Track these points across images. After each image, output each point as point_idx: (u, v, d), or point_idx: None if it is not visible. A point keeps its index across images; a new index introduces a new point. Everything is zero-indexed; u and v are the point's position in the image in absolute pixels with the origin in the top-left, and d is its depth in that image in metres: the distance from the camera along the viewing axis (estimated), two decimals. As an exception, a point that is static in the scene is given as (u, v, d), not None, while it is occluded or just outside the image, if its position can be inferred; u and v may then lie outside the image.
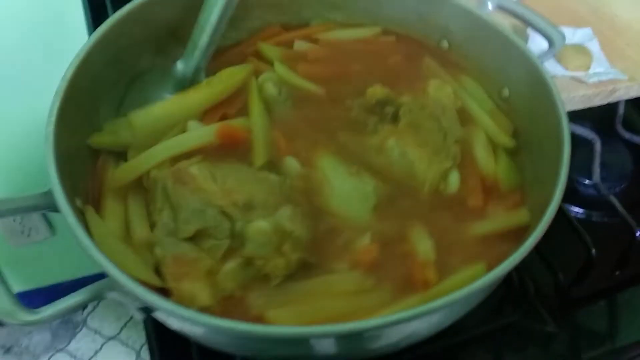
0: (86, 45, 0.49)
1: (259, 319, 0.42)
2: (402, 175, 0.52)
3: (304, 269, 0.46)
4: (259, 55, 0.62)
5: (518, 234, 0.49)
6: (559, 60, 0.69)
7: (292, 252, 0.44)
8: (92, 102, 0.52)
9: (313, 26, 0.66)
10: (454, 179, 0.52)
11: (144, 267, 0.43)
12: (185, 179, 0.47)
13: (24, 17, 0.87)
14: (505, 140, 0.57)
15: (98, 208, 0.48)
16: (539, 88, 0.53)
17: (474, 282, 0.41)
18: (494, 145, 0.56)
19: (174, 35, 0.59)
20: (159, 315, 0.40)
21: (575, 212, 0.67)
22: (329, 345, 0.39)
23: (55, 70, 0.49)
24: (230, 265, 0.44)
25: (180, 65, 0.55)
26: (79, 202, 0.45)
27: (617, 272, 0.63)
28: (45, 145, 0.42)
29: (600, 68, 0.69)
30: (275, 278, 0.44)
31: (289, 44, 0.64)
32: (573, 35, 0.73)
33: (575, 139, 0.66)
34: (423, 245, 0.46)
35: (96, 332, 1.56)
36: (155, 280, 0.43)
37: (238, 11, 0.58)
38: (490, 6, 0.62)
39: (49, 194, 0.41)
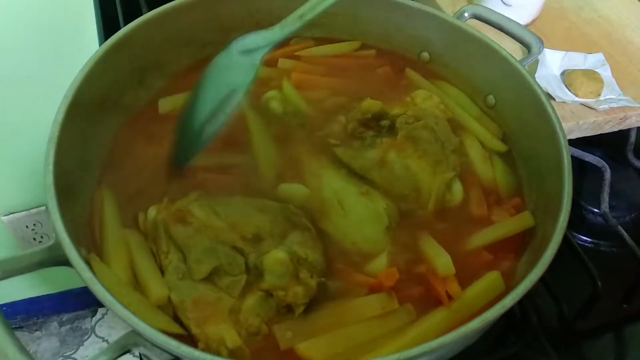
0: (74, 84, 0.47)
1: (290, 353, 0.41)
2: (406, 189, 0.52)
3: (323, 296, 0.45)
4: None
5: (523, 236, 0.50)
6: (569, 85, 0.68)
7: (310, 278, 0.44)
8: (84, 141, 0.49)
9: (293, 44, 0.66)
10: (458, 189, 0.53)
11: (163, 316, 0.41)
12: (187, 218, 0.46)
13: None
14: (497, 145, 0.58)
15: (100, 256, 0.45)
16: (526, 95, 0.55)
17: (493, 291, 0.42)
18: (487, 151, 0.58)
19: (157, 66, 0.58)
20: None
21: (582, 241, 0.65)
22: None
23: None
24: (251, 300, 0.43)
25: (268, 33, 0.50)
26: (84, 252, 0.43)
27: (625, 305, 0.60)
28: (47, 196, 0.39)
29: (611, 94, 0.67)
30: (297, 307, 0.43)
31: (271, 63, 0.63)
32: (584, 60, 0.72)
33: (585, 166, 0.67)
34: (441, 260, 0.47)
35: (104, 340, 1.55)
36: (177, 329, 0.41)
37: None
38: (466, 15, 0.63)
39: (55, 247, 0.39)
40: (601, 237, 0.66)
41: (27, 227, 1.27)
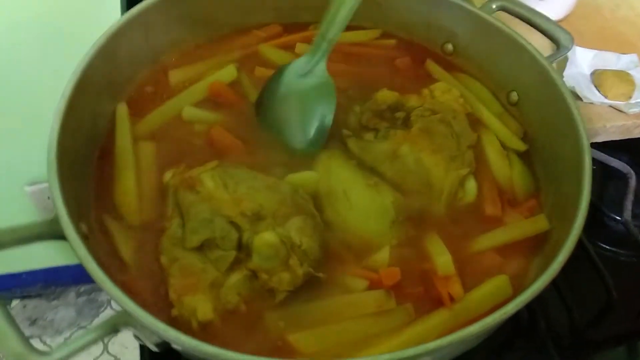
0: (85, 59, 0.47)
1: (278, 341, 0.41)
2: (418, 184, 0.50)
3: (318, 287, 0.44)
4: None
5: (536, 242, 0.48)
6: (599, 86, 0.65)
7: (299, 266, 0.43)
8: (93, 117, 0.49)
9: (312, 29, 0.64)
10: (472, 187, 0.51)
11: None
12: (196, 186, 0.45)
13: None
14: (517, 144, 0.56)
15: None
16: (551, 93, 0.52)
17: (498, 296, 0.40)
18: (506, 150, 0.55)
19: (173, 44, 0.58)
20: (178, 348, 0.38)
21: (600, 248, 0.62)
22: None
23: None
24: (235, 277, 0.42)
25: (304, 59, 0.54)
26: (84, 228, 0.42)
27: None
28: (49, 170, 0.39)
29: None
30: (279, 293, 0.42)
31: (289, 47, 0.62)
32: (617, 60, 0.69)
33: (609, 171, 0.63)
34: (441, 258, 0.45)
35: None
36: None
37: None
38: (494, 7, 0.61)
39: (55, 221, 0.38)
40: (621, 246, 0.63)
41: (49, 198, 1.29)
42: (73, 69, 0.46)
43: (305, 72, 0.55)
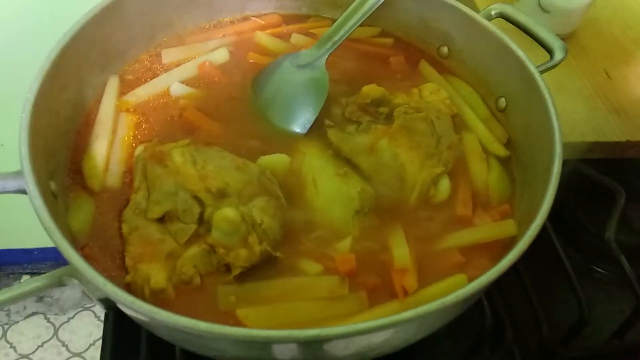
0: (74, 26, 0.49)
1: (229, 316, 0.41)
2: (391, 178, 0.50)
3: (274, 267, 0.44)
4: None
5: (502, 246, 0.47)
6: None
7: (257, 244, 0.43)
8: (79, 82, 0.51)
9: (311, 22, 0.65)
10: (445, 186, 0.51)
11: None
12: (165, 160, 0.46)
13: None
14: (498, 149, 0.55)
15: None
16: (536, 100, 0.51)
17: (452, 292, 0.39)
18: (486, 154, 0.55)
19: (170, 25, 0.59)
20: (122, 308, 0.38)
21: (578, 264, 0.60)
22: (292, 351, 0.38)
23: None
24: (193, 250, 0.43)
25: (307, 53, 0.58)
26: (53, 186, 0.44)
27: (616, 340, 0.56)
28: (21, 122, 0.41)
29: None
30: (235, 269, 0.43)
31: (285, 37, 0.63)
32: None
33: (599, 189, 0.62)
34: (399, 250, 0.45)
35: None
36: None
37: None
38: (493, 13, 0.61)
39: (19, 173, 0.40)
40: (600, 264, 0.62)
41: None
42: (63, 33, 0.47)
43: (305, 64, 0.57)
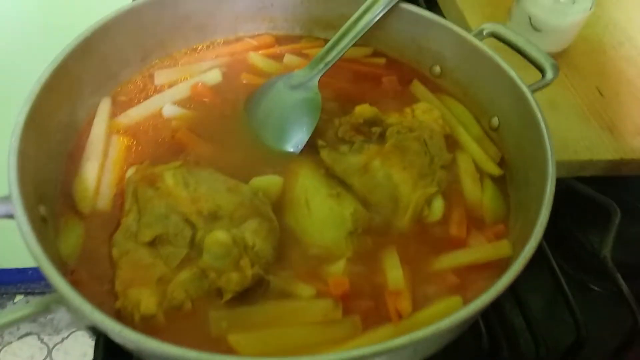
0: (65, 49, 0.49)
1: (220, 342, 0.40)
2: (384, 198, 0.50)
3: (266, 290, 0.44)
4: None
5: (497, 268, 0.47)
6: None
7: (249, 267, 0.42)
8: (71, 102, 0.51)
9: (304, 42, 0.65)
10: (438, 206, 0.50)
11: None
12: (157, 183, 0.46)
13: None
14: (492, 168, 0.55)
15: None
16: (528, 119, 0.51)
17: (447, 316, 0.39)
18: (480, 173, 0.55)
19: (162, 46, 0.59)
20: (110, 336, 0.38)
21: (575, 282, 0.58)
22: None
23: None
24: (184, 275, 0.42)
25: (300, 74, 0.58)
26: (43, 210, 0.43)
27: None
28: (10, 145, 0.40)
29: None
30: (227, 293, 0.42)
31: (277, 57, 0.63)
32: None
33: (594, 206, 0.62)
34: (393, 273, 0.45)
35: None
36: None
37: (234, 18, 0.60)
38: (485, 33, 0.61)
39: (7, 198, 0.39)
40: (597, 283, 0.61)
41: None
42: (54, 56, 0.47)
43: (298, 84, 0.57)
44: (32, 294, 1.95)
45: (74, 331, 1.69)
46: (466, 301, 0.44)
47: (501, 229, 0.50)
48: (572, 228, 0.67)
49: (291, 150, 0.54)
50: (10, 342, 1.66)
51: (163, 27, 0.59)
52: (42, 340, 1.77)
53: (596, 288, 0.63)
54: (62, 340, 1.79)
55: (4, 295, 1.90)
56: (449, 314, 0.42)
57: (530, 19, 0.72)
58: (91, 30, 0.51)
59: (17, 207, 0.38)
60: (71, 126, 0.51)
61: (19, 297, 1.92)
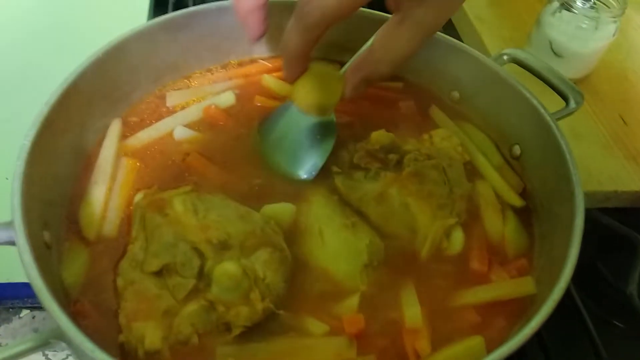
0: (77, 70, 0.48)
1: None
2: (401, 228, 0.48)
3: (277, 326, 0.41)
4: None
5: (520, 305, 0.44)
6: None
7: (260, 301, 0.40)
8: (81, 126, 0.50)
9: (319, 65, 0.64)
10: (458, 238, 0.48)
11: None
12: (165, 209, 0.44)
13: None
14: (514, 199, 0.53)
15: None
16: (552, 149, 0.50)
17: (469, 358, 0.37)
18: (501, 204, 0.52)
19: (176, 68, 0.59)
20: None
21: (599, 320, 0.55)
22: None
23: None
24: (191, 307, 0.40)
25: None
26: (47, 236, 0.42)
27: None
28: (15, 168, 0.39)
29: None
30: (236, 328, 0.40)
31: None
32: None
33: (618, 239, 0.60)
34: (410, 310, 0.42)
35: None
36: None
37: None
38: (505, 58, 0.59)
39: (10, 225, 0.38)
40: (623, 320, 0.58)
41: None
42: (64, 78, 0.46)
43: None
44: (39, 308, 1.93)
45: (78, 349, 1.67)
46: (488, 341, 0.42)
47: (523, 264, 0.48)
48: (594, 261, 0.64)
49: (305, 176, 0.52)
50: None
51: (177, 48, 0.58)
52: (46, 357, 1.75)
53: (619, 324, 0.60)
54: (67, 356, 1.77)
55: (10, 310, 1.89)
56: (472, 356, 0.40)
57: (551, 44, 0.70)
58: (103, 51, 0.50)
59: (20, 235, 0.36)
60: (80, 148, 0.50)
61: (25, 312, 1.90)
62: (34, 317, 2.03)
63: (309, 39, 0.45)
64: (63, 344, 0.34)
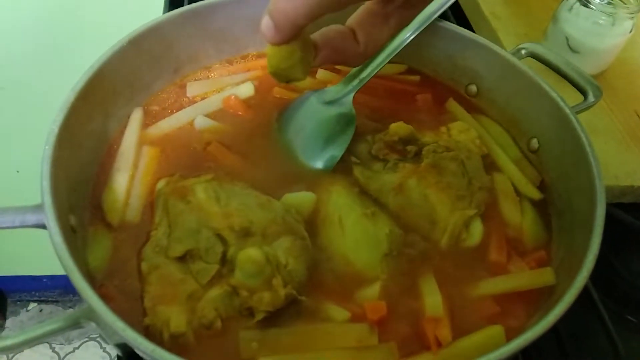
0: (101, 58, 0.48)
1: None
2: (420, 219, 0.48)
3: (299, 312, 0.42)
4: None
5: (539, 296, 0.45)
6: None
7: (282, 287, 0.41)
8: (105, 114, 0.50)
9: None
10: (477, 229, 0.48)
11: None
12: (188, 196, 0.45)
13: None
14: (532, 191, 0.53)
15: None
16: (572, 142, 0.50)
17: (489, 347, 0.37)
18: (519, 197, 0.53)
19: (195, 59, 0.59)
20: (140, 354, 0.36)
21: (617, 317, 0.56)
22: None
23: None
24: (215, 292, 0.41)
25: (334, 89, 0.55)
26: (73, 220, 0.42)
27: None
28: (43, 154, 0.39)
29: None
30: (259, 313, 0.40)
31: (310, 73, 0.62)
32: None
33: (635, 235, 0.60)
34: (431, 298, 0.43)
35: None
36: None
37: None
38: (523, 53, 0.60)
39: (39, 207, 0.38)
40: (638, 315, 0.58)
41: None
42: (90, 66, 0.47)
43: (332, 100, 0.55)
44: (46, 302, 1.94)
45: (85, 341, 1.68)
46: (507, 330, 0.42)
47: (542, 256, 0.48)
48: (609, 256, 0.64)
49: (323, 167, 0.52)
50: (22, 350, 1.65)
51: (197, 39, 0.58)
52: (53, 349, 1.76)
53: (634, 319, 0.60)
54: (74, 350, 1.77)
55: (18, 303, 1.90)
56: (492, 344, 0.40)
57: (567, 39, 0.70)
58: (127, 40, 0.51)
59: (50, 217, 0.37)
60: (103, 135, 0.50)
61: (32, 305, 1.92)
62: (41, 310, 2.04)
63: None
64: (93, 324, 0.34)
